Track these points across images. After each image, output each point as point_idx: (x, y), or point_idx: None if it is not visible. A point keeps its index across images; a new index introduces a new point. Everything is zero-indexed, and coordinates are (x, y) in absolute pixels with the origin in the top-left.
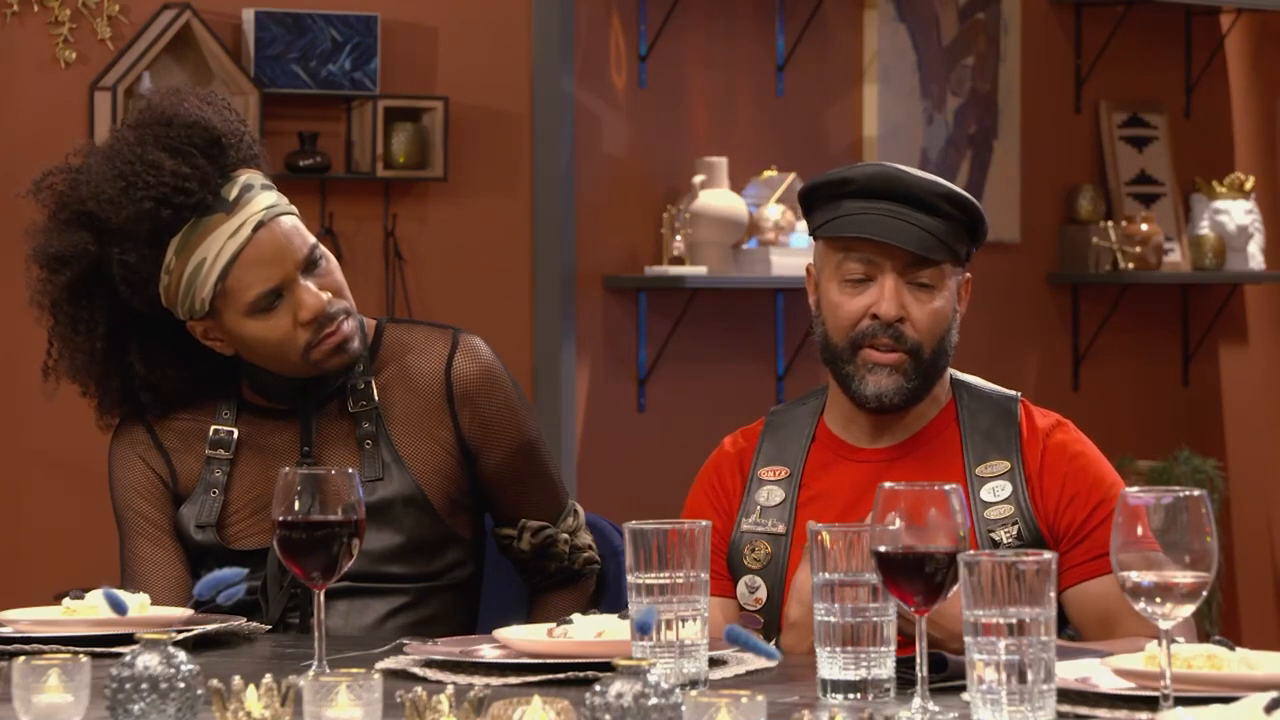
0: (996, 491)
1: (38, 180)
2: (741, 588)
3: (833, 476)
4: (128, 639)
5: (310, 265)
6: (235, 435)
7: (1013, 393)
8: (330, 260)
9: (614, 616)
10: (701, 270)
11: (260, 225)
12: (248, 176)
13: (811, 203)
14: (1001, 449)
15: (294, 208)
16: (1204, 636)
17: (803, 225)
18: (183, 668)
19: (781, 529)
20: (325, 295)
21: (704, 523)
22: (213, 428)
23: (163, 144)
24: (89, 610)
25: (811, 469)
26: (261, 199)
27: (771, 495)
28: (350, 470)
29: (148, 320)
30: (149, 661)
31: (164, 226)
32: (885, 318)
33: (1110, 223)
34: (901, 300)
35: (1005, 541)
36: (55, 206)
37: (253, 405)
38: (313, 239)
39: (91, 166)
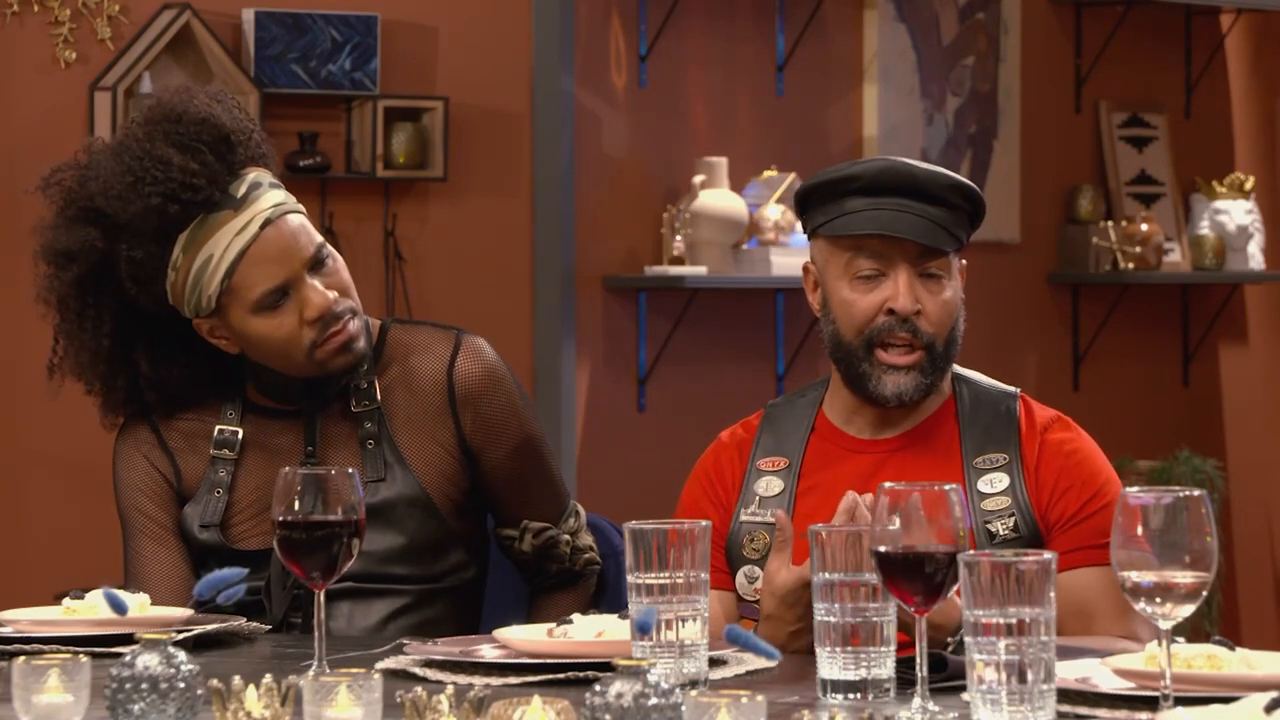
0: (994, 483)
1: (46, 176)
2: (741, 578)
3: (832, 468)
4: (128, 639)
5: (317, 264)
6: (240, 435)
7: (1012, 389)
8: (337, 259)
9: (614, 616)
10: (701, 270)
11: (268, 223)
12: (256, 174)
13: (811, 202)
14: (1000, 443)
15: (301, 206)
16: (1204, 636)
17: None
18: (183, 668)
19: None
20: (331, 294)
21: (704, 522)
22: (217, 428)
23: (171, 140)
24: (89, 610)
25: (810, 460)
26: (269, 197)
27: (770, 486)
28: (350, 470)
29: (154, 318)
30: (149, 661)
31: (171, 223)
32: (902, 311)
33: (1110, 223)
34: (915, 293)
35: (1001, 534)
36: (63, 202)
37: (258, 406)
38: (320, 238)
39: (100, 162)
